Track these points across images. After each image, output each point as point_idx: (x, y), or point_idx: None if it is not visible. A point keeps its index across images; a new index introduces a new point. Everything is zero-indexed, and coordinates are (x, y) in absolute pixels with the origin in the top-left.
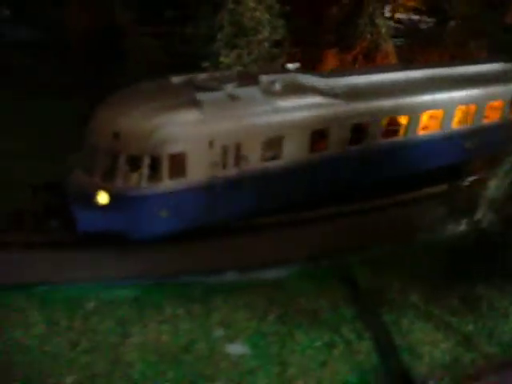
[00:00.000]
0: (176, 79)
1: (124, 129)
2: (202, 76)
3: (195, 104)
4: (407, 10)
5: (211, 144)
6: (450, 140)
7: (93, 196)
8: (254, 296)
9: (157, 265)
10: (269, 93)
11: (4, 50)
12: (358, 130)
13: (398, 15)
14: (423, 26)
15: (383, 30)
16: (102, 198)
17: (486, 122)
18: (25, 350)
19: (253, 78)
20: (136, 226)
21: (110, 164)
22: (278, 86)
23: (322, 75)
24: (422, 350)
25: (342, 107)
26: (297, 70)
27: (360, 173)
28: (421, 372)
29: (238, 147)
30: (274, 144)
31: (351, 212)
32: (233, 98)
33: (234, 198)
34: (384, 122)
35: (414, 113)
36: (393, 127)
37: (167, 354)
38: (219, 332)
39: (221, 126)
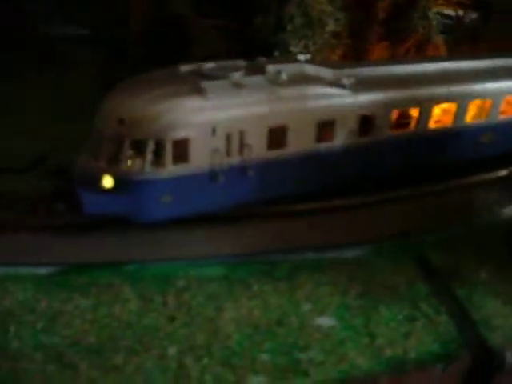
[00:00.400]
0: (185, 67)
1: (129, 114)
2: (209, 65)
3: (199, 91)
4: (452, 4)
5: (214, 131)
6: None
7: (98, 180)
8: (335, 273)
9: (242, 244)
10: (274, 82)
11: (68, 45)
12: (367, 122)
13: (443, 9)
14: (467, 20)
15: (434, 23)
16: (107, 181)
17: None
18: (124, 325)
19: (260, 68)
20: (139, 210)
21: (115, 149)
22: (284, 76)
23: (332, 66)
24: (495, 323)
25: (348, 98)
26: (307, 61)
27: (371, 164)
28: (497, 343)
29: (241, 135)
30: (278, 133)
31: (421, 194)
32: (237, 85)
33: (238, 186)
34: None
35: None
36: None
37: (261, 326)
38: (307, 306)
39: (224, 113)
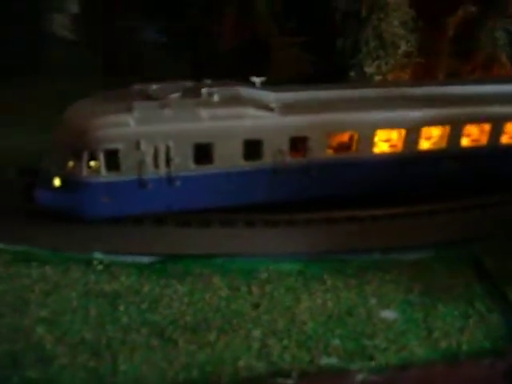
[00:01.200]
0: (136, 87)
1: (72, 127)
2: (155, 86)
3: (129, 109)
4: None
5: (138, 144)
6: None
7: (50, 180)
8: (399, 273)
9: (316, 243)
10: (205, 103)
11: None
12: (299, 143)
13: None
14: None
15: (501, 43)
16: (56, 181)
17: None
18: (215, 309)
19: (196, 90)
20: (82, 208)
21: (62, 156)
22: (215, 98)
23: (270, 89)
24: None
25: (276, 120)
26: (260, 84)
27: (303, 185)
28: None
29: (167, 149)
30: (204, 149)
31: (476, 205)
32: (165, 105)
33: (166, 194)
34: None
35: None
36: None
37: (333, 316)
38: (373, 300)
39: (147, 129)
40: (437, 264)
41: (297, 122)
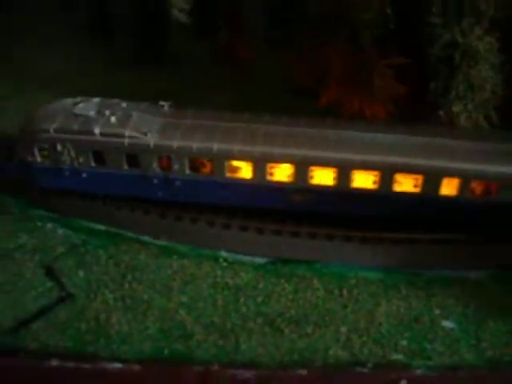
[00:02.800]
0: (74, 100)
1: (27, 128)
2: (81, 102)
3: (53, 121)
4: None
5: (55, 146)
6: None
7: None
8: (460, 289)
9: (396, 258)
10: (103, 122)
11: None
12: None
13: None
14: None
15: None
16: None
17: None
18: (313, 306)
19: (109, 108)
20: (30, 180)
21: (22, 145)
22: (112, 119)
23: (158, 114)
24: None
25: (146, 141)
26: (168, 106)
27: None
28: None
29: (76, 152)
30: (99, 155)
31: None
32: (76, 120)
33: (77, 180)
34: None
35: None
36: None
37: (404, 320)
38: (437, 311)
39: (60, 137)
40: (494, 284)
41: (162, 144)
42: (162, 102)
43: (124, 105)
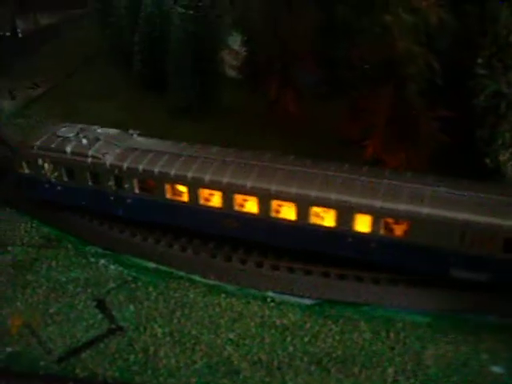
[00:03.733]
0: (60, 126)
1: (22, 143)
2: (66, 127)
3: (37, 140)
4: None
5: (36, 161)
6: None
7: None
8: (509, 335)
9: (444, 303)
10: (75, 143)
11: None
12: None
13: None
14: None
15: None
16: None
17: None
18: (360, 347)
19: (85, 133)
20: (24, 188)
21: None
22: (84, 141)
23: (124, 140)
24: None
25: (103, 162)
26: (137, 135)
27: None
28: None
29: (54, 167)
30: (70, 171)
31: None
32: (54, 141)
33: (52, 192)
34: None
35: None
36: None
37: (451, 364)
38: (485, 356)
39: (40, 153)
40: None
41: (115, 166)
42: (131, 131)
43: (99, 131)
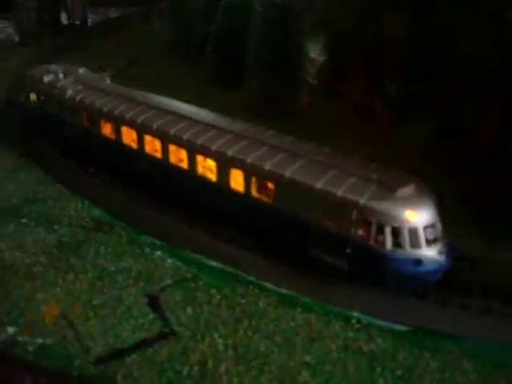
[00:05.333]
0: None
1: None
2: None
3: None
4: None
5: (28, 96)
6: None
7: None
8: None
9: None
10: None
11: None
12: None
13: None
14: None
15: None
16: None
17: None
18: None
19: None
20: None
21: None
22: (61, 75)
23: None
24: None
25: (65, 94)
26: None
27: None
28: None
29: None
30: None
31: None
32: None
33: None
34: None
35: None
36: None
37: None
38: None
39: (30, 82)
40: None
41: (72, 98)
42: (106, 76)
43: (80, 71)
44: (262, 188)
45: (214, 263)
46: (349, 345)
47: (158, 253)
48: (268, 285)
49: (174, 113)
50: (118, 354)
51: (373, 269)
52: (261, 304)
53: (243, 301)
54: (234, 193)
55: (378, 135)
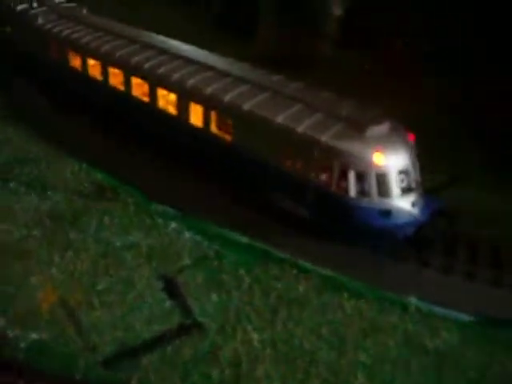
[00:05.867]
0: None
1: None
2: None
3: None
4: None
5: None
6: None
7: None
8: None
9: None
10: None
11: None
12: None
13: None
14: None
15: None
16: None
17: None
18: None
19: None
20: None
21: None
22: (35, 5)
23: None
24: None
25: (36, 21)
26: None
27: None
28: None
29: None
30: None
31: None
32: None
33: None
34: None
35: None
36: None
37: None
38: None
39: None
40: None
41: (41, 25)
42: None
43: (56, 1)
44: (221, 124)
45: (240, 237)
46: (410, 340)
47: (173, 224)
48: (308, 265)
49: (141, 43)
50: (130, 353)
51: (335, 219)
52: (300, 288)
53: (279, 285)
54: (194, 129)
55: (401, 89)
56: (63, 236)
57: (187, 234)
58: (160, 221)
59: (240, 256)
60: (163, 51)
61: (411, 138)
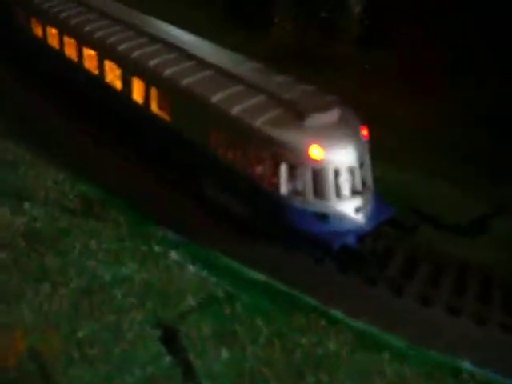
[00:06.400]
0: None
1: None
2: None
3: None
4: None
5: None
6: None
7: None
8: None
9: None
10: None
11: None
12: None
13: None
14: None
15: None
16: None
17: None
18: None
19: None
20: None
21: None
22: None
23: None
24: None
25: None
26: None
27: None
28: None
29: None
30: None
31: None
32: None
33: None
34: None
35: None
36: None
37: None
38: None
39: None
40: None
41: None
42: None
43: None
44: (162, 102)
45: (256, 275)
46: None
47: (173, 254)
48: (338, 314)
49: (109, 16)
50: None
51: (268, 218)
52: (331, 345)
53: (304, 340)
54: (136, 107)
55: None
56: (39, 262)
57: (191, 268)
58: (158, 248)
59: (256, 299)
60: (123, 23)
61: (364, 130)
